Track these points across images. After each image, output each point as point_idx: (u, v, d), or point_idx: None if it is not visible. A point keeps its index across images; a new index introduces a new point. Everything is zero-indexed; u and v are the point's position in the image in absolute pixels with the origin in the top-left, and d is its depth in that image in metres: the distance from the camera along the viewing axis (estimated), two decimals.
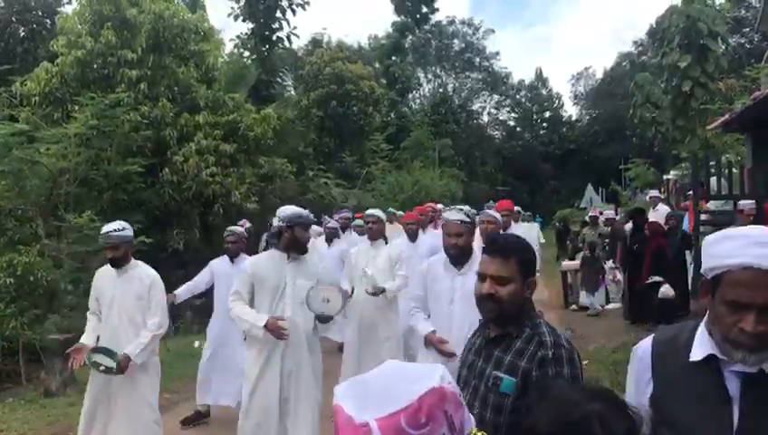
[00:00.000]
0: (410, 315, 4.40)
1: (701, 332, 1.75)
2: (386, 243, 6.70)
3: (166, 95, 14.20)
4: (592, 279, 11.75)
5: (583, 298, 12.01)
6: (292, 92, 28.36)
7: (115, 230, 4.80)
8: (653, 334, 1.89)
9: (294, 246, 4.54)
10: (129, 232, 4.90)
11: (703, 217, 9.45)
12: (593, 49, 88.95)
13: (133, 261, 4.97)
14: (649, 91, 20.33)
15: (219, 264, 6.78)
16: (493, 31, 52.24)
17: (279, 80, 24.20)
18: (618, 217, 14.02)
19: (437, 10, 42.32)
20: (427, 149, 31.63)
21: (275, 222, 4.54)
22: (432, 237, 9.41)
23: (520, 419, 1.40)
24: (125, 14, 14.09)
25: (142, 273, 4.94)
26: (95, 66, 14.09)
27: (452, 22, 49.52)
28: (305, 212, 4.64)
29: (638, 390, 1.84)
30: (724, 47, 19.06)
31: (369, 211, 6.84)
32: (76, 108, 12.91)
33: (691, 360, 1.72)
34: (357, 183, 23.61)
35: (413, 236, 7.56)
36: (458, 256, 4.18)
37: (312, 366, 4.60)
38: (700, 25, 16.94)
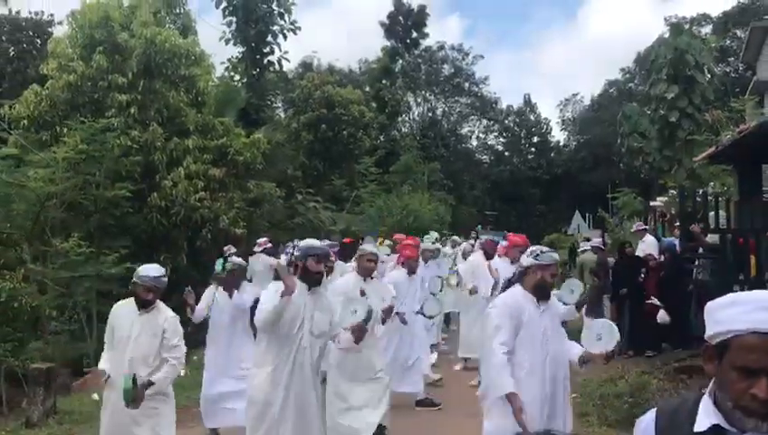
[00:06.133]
0: (499, 363, 4.12)
1: (705, 401, 1.71)
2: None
3: (156, 119, 14.17)
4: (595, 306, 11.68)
5: None
6: (282, 115, 28.42)
7: (162, 276, 4.92)
8: (656, 407, 1.86)
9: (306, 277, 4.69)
10: (166, 278, 5.03)
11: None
12: (581, 75, 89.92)
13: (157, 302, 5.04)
14: (637, 121, 20.61)
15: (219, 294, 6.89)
16: (482, 57, 52.75)
17: (269, 102, 24.24)
18: (606, 247, 14.08)
19: (428, 35, 42.72)
20: (416, 173, 31.72)
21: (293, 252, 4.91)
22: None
23: None
24: (117, 39, 14.10)
25: (164, 312, 5.03)
26: (85, 90, 14.06)
27: (442, 47, 50.04)
28: (318, 243, 4.88)
29: None
30: (709, 77, 19.39)
31: (368, 248, 6.78)
32: (65, 131, 12.87)
33: (695, 431, 1.66)
34: (346, 206, 23.60)
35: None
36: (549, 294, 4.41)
37: (317, 397, 4.83)
38: (687, 57, 17.26)
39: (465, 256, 12.27)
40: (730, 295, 1.71)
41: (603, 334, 4.30)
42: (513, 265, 7.18)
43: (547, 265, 4.32)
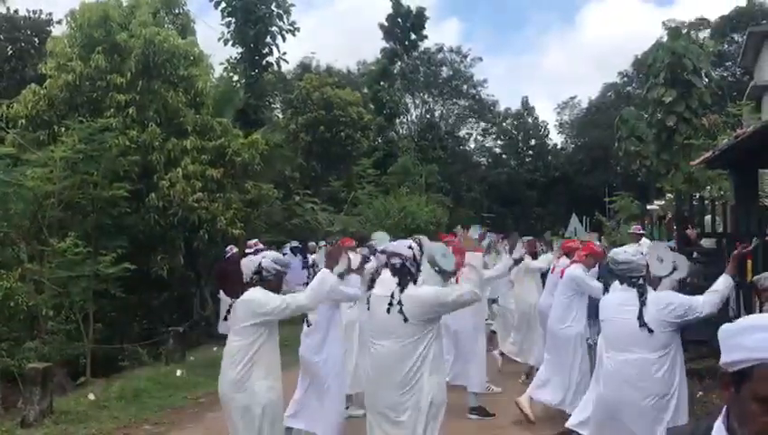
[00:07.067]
0: (709, 300, 4.43)
1: (718, 428, 1.62)
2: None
3: (154, 120, 14.14)
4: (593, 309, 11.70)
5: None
6: (280, 116, 28.45)
7: None
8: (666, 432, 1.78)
9: None
10: None
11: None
12: (579, 79, 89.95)
13: None
14: (634, 125, 20.68)
15: None
16: (480, 59, 52.73)
17: (267, 103, 24.25)
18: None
19: (426, 38, 42.67)
20: (414, 175, 31.74)
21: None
22: None
23: None
24: (115, 39, 14.09)
25: None
26: (84, 90, 14.04)
27: (440, 49, 50.03)
28: None
29: None
30: (707, 81, 19.46)
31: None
32: (63, 130, 12.86)
33: None
34: (343, 207, 23.61)
35: None
36: None
37: None
38: (685, 62, 17.33)
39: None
40: (748, 318, 1.61)
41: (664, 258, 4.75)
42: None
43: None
